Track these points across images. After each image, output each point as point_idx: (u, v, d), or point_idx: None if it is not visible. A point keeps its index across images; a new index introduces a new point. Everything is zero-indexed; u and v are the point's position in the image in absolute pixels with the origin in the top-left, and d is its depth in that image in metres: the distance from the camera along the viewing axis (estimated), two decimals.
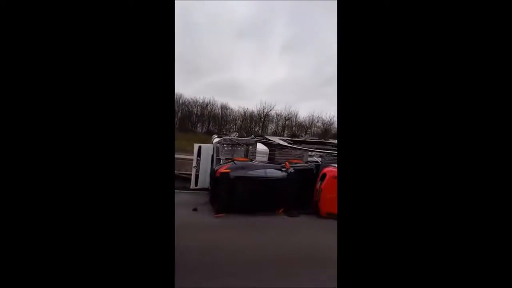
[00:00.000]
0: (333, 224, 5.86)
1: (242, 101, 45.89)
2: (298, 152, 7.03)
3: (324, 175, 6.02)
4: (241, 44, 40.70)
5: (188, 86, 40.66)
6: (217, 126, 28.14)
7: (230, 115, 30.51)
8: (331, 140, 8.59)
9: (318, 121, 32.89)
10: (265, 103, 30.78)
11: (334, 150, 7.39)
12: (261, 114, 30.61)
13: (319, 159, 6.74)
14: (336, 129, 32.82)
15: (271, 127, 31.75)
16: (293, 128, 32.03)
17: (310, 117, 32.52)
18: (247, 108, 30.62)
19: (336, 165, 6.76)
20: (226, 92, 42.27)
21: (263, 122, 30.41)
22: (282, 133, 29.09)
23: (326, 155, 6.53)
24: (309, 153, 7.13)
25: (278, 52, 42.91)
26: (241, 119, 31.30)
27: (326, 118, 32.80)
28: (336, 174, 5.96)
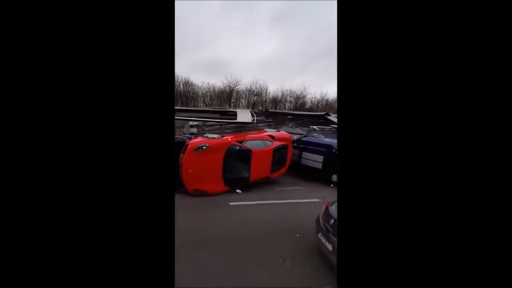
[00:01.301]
0: (191, 202, 4.81)
1: (229, 79, 43.45)
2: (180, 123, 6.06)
3: (186, 146, 5.16)
4: (227, 17, 38.14)
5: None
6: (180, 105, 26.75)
7: (196, 92, 28.98)
8: (229, 109, 7.74)
9: (289, 95, 31.81)
10: (230, 78, 29.28)
11: (224, 118, 6.45)
12: (229, 90, 29.19)
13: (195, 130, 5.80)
14: (309, 102, 32.23)
15: (242, 103, 30.55)
16: (265, 103, 30.90)
17: (281, 91, 31.37)
18: (212, 83, 29.13)
19: (209, 135, 5.86)
20: (213, 71, 40.39)
21: (230, 98, 29.04)
22: (252, 109, 27.97)
23: (204, 125, 5.58)
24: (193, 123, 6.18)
25: (268, 25, 40.50)
26: (210, 96, 29.89)
27: (298, 91, 31.73)
28: (199, 145, 5.11)
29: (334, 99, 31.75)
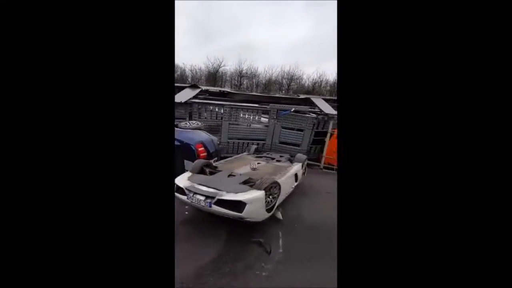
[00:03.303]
0: None
1: (258, 65, 41.72)
2: None
3: None
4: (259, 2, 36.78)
5: (199, 53, 38.31)
6: None
7: (181, 74, 27.94)
8: None
9: (282, 77, 28.88)
10: (213, 59, 27.43)
11: None
12: (214, 71, 27.54)
13: None
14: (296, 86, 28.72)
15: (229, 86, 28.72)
16: (255, 87, 28.61)
17: (270, 73, 28.59)
18: (195, 65, 27.61)
19: None
20: (241, 56, 39.41)
21: (215, 80, 27.41)
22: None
23: None
24: None
25: (301, 8, 37.98)
26: (197, 78, 28.65)
27: (290, 73, 28.57)
28: None
29: (334, 79, 28.01)
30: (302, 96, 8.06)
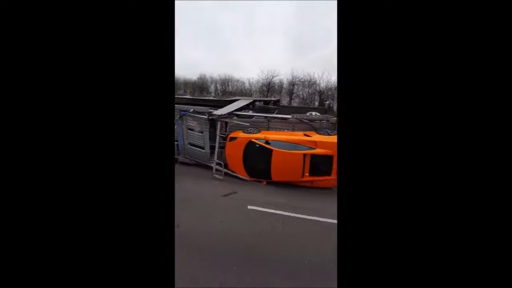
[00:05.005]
0: None
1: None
2: None
3: None
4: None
5: (293, 63, 41.71)
6: None
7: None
8: None
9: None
10: (266, 70, 27.77)
11: None
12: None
13: None
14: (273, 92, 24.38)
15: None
16: (310, 94, 27.17)
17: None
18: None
19: None
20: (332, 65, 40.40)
21: (268, 90, 27.95)
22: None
23: None
24: None
25: None
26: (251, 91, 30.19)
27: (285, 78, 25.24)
28: None
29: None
30: (232, 98, 7.42)
